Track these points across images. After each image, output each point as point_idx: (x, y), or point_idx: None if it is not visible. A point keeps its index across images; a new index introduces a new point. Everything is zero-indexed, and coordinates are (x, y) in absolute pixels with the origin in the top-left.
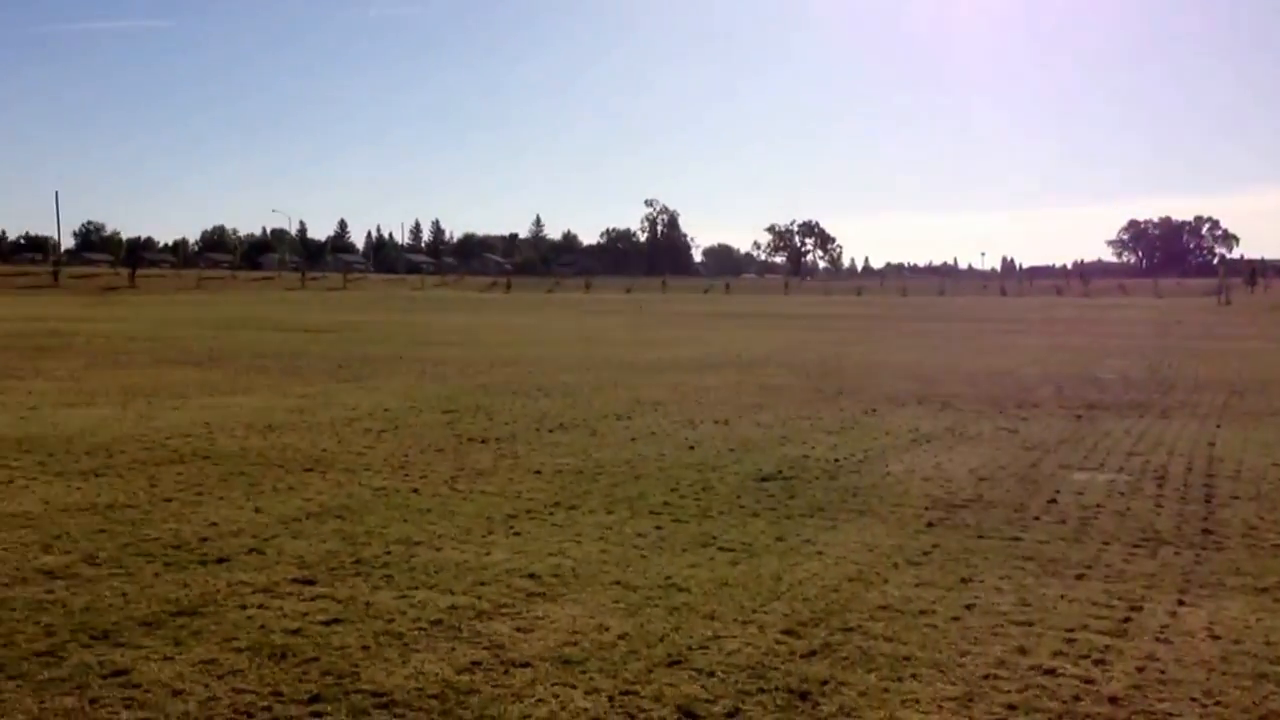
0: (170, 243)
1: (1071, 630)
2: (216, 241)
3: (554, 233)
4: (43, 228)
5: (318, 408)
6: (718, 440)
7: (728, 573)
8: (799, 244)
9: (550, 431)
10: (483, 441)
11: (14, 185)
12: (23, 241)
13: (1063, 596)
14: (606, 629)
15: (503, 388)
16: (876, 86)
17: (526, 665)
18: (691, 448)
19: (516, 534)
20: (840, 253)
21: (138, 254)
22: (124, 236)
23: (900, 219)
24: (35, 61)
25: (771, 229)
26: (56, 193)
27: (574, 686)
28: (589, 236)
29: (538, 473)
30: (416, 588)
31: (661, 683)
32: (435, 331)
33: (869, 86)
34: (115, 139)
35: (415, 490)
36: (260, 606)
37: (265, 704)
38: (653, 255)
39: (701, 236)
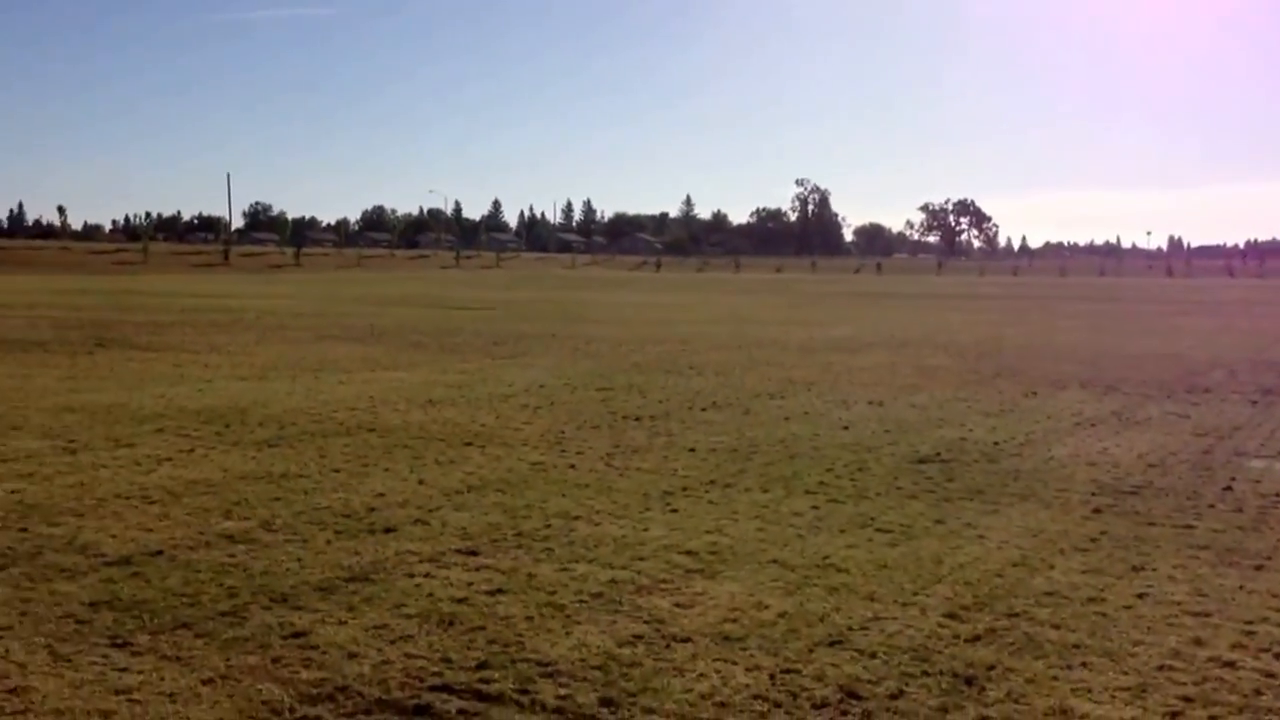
0: (332, 222)
1: (1251, 622)
2: (376, 221)
3: (704, 212)
4: (214, 208)
5: (475, 383)
6: (872, 421)
7: (886, 554)
8: (953, 223)
9: (703, 410)
10: (637, 419)
11: (189, 168)
12: (196, 221)
13: (1241, 587)
14: (766, 607)
15: (655, 366)
16: (1038, 61)
17: (687, 640)
18: (846, 428)
19: (673, 511)
20: (996, 232)
21: (302, 233)
22: (289, 217)
23: (1060, 197)
24: (208, 49)
25: (925, 208)
26: (228, 174)
27: (735, 663)
28: (739, 216)
29: (692, 450)
30: (576, 561)
31: (823, 662)
32: (587, 309)
33: (1029, 61)
34: (281, 123)
35: (572, 466)
36: (427, 575)
37: (436, 669)
38: (803, 235)
39: (852, 216)
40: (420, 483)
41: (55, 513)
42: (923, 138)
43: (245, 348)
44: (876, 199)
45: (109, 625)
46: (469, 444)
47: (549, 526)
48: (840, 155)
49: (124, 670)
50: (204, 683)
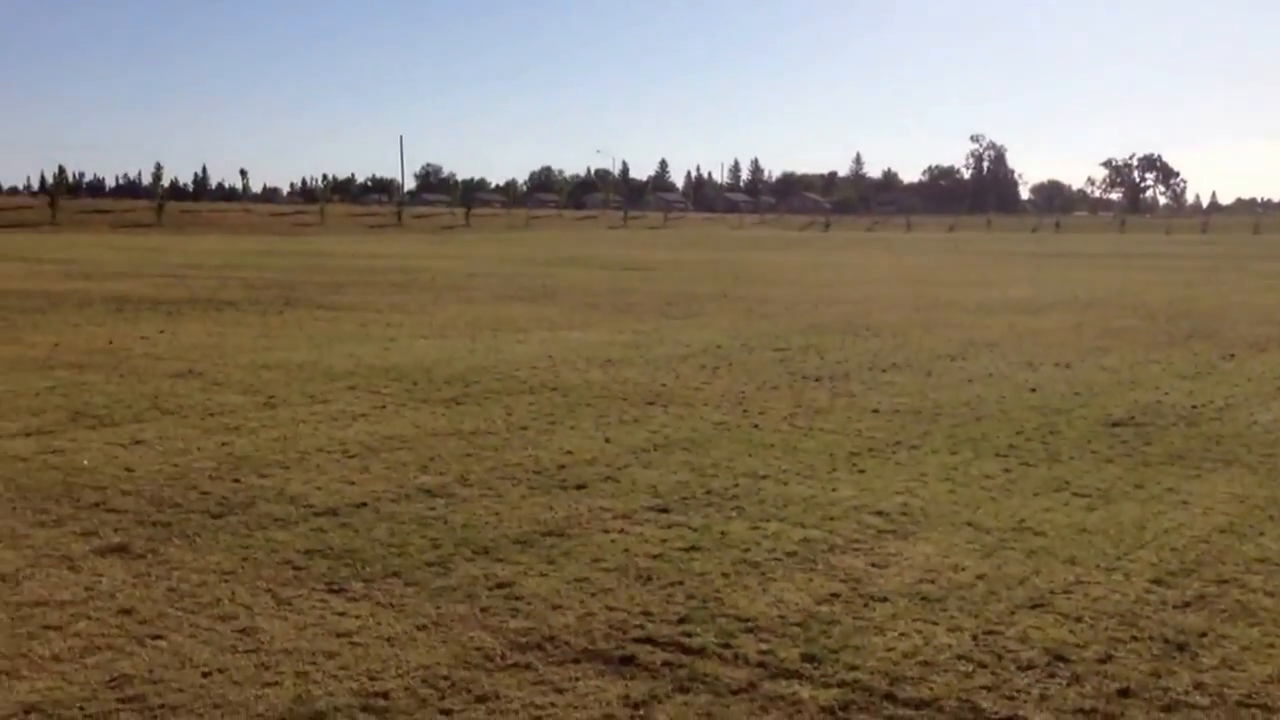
0: (501, 183)
1: None
2: (544, 182)
3: (874, 171)
4: (387, 170)
5: (651, 343)
6: (1060, 383)
7: (1085, 518)
8: (1137, 179)
9: (883, 371)
10: (816, 380)
11: (363, 131)
12: (370, 184)
13: None
14: (962, 569)
15: (831, 326)
16: (1228, 7)
17: (885, 600)
18: (1033, 390)
19: (860, 471)
20: (1184, 188)
21: (472, 194)
22: (459, 178)
23: (1252, 149)
24: (380, 15)
25: (1107, 164)
26: (400, 137)
27: (935, 623)
28: (910, 174)
29: (875, 412)
30: (767, 520)
31: (1026, 624)
32: (757, 269)
33: (1219, 8)
34: (453, 86)
35: (756, 426)
36: (621, 531)
37: (638, 622)
38: (977, 192)
39: (1029, 172)
40: (606, 441)
41: (263, 465)
42: (1105, 90)
43: (424, 307)
44: (1055, 155)
45: (324, 572)
46: (650, 403)
47: (737, 485)
48: (1017, 110)
49: (342, 614)
50: (418, 629)
